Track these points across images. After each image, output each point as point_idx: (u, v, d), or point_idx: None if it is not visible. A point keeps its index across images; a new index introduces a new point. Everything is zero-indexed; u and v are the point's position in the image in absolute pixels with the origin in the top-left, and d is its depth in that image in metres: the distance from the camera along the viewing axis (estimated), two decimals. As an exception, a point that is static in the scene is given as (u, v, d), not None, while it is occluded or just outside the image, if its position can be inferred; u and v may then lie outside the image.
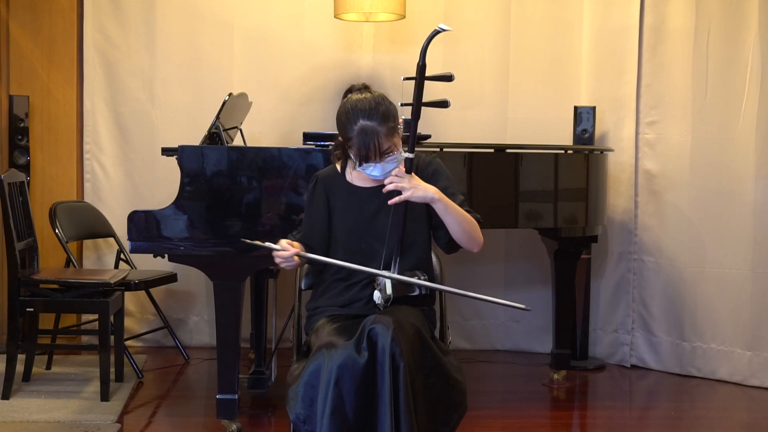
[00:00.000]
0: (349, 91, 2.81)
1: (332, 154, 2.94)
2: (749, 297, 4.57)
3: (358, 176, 2.85)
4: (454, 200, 2.74)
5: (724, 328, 4.66)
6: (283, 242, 2.67)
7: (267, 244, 2.65)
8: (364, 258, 2.76)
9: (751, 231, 4.55)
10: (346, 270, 2.74)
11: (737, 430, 4.05)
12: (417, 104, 2.63)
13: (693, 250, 4.75)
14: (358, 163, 2.71)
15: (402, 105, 2.72)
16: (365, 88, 2.78)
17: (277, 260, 2.66)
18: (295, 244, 2.72)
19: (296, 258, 2.65)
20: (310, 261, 2.76)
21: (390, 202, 2.63)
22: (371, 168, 2.71)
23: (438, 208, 2.67)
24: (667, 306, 4.87)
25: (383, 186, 2.69)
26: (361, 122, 2.65)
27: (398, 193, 2.62)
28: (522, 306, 2.58)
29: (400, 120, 2.73)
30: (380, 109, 2.66)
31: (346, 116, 2.69)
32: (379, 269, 2.71)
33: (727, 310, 4.64)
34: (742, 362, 4.60)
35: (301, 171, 3.51)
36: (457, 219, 2.69)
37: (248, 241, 2.71)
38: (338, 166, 2.90)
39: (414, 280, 2.71)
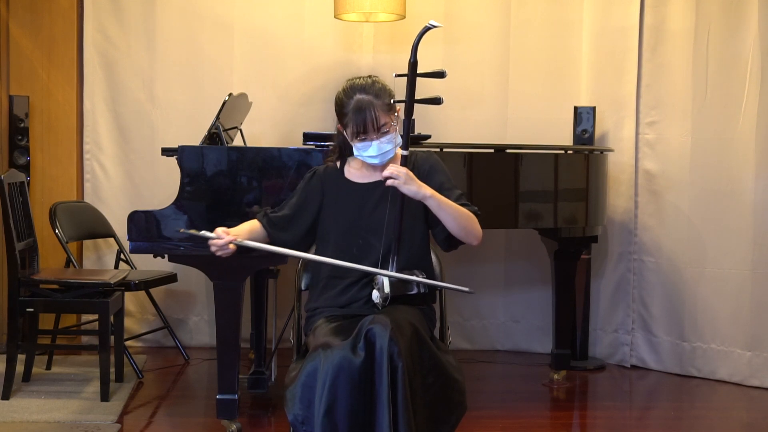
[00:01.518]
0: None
1: (328, 152, 2.95)
2: (749, 297, 4.57)
3: (356, 172, 2.87)
4: (451, 195, 2.75)
5: (724, 328, 4.66)
6: (219, 230, 2.73)
7: (203, 232, 2.71)
8: (359, 253, 2.77)
9: (751, 231, 4.55)
10: (343, 269, 2.74)
11: (737, 430, 4.05)
12: (410, 101, 2.66)
13: (693, 250, 4.75)
14: (355, 138, 2.74)
15: (395, 102, 2.74)
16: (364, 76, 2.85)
17: (213, 249, 2.72)
18: (238, 231, 2.78)
19: (232, 246, 2.71)
20: (249, 249, 2.79)
21: (385, 178, 2.66)
22: (368, 147, 2.72)
23: (431, 205, 2.69)
24: (667, 306, 4.87)
25: (380, 182, 2.72)
26: (357, 96, 2.74)
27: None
28: (466, 289, 2.67)
29: (399, 108, 2.75)
30: (376, 86, 2.77)
31: (343, 93, 2.78)
32: (372, 266, 2.72)
33: (727, 310, 4.64)
34: (742, 362, 4.60)
35: (301, 171, 3.50)
36: (452, 214, 2.70)
37: (183, 230, 2.85)
38: (337, 164, 2.91)
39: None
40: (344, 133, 2.80)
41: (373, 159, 2.76)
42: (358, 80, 2.80)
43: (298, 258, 2.83)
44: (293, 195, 2.94)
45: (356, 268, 2.69)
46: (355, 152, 2.78)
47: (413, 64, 2.64)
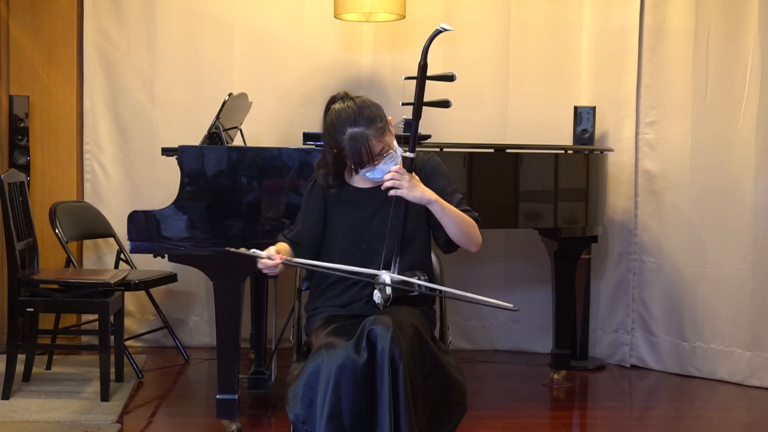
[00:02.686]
0: (331, 102, 2.80)
1: (316, 168, 2.91)
2: (749, 297, 4.57)
3: (357, 177, 2.85)
4: (452, 199, 2.75)
5: (724, 328, 4.66)
6: (271, 250, 2.65)
7: (252, 251, 2.62)
8: (363, 258, 2.76)
9: (751, 231, 4.55)
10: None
11: (737, 430, 4.04)
12: (418, 104, 2.64)
13: (693, 250, 4.75)
14: (355, 171, 2.73)
15: (403, 104, 2.72)
16: (346, 96, 2.78)
17: (260, 266, 2.63)
18: (282, 249, 2.71)
19: (281, 265, 2.63)
20: (299, 267, 2.74)
21: (389, 192, 2.65)
22: (371, 171, 2.71)
23: (434, 210, 2.68)
24: (667, 306, 4.87)
25: (381, 185, 2.70)
26: (349, 130, 2.67)
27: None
28: (510, 306, 2.57)
29: (390, 118, 2.75)
30: (365, 114, 2.68)
31: (333, 128, 2.71)
32: (378, 269, 2.71)
33: (727, 310, 4.64)
34: (742, 362, 4.60)
35: (301, 171, 3.51)
36: (454, 220, 2.70)
37: (233, 249, 2.66)
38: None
39: (413, 279, 2.72)
40: (346, 161, 2.75)
41: (378, 179, 2.75)
42: (343, 109, 2.71)
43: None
44: (301, 209, 2.92)
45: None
46: (360, 174, 2.76)
47: (423, 67, 2.62)
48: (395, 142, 2.74)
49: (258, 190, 3.51)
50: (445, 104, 2.70)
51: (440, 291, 2.80)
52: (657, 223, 4.90)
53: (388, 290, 2.70)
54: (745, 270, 4.57)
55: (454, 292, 2.70)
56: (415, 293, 2.75)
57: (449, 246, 2.80)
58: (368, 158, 2.67)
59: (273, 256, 2.62)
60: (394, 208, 2.72)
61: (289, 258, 2.67)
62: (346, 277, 2.78)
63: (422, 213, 2.79)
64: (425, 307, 2.83)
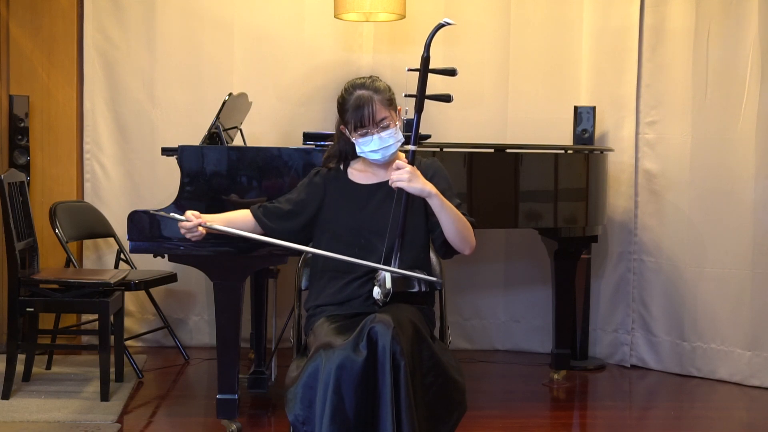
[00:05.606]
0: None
1: (326, 156, 2.97)
2: (749, 297, 4.57)
3: (359, 174, 2.88)
4: (451, 202, 2.76)
5: (724, 328, 4.66)
6: (189, 213, 2.79)
7: (171, 215, 2.78)
8: (362, 253, 2.77)
9: (751, 231, 4.56)
10: (344, 265, 2.75)
11: (737, 430, 4.05)
12: (420, 96, 2.68)
13: (693, 250, 4.75)
14: (355, 133, 2.77)
15: (406, 96, 2.75)
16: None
17: (182, 231, 2.79)
18: (210, 217, 2.84)
19: (201, 228, 2.78)
20: (220, 232, 2.86)
21: (391, 182, 2.68)
22: (369, 142, 2.73)
23: (433, 204, 2.70)
24: (667, 306, 4.87)
25: (383, 183, 2.75)
26: (357, 92, 2.78)
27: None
28: (434, 279, 2.75)
29: (400, 108, 2.80)
30: (376, 83, 2.82)
31: (344, 91, 2.83)
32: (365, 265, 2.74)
33: (727, 310, 4.64)
34: (742, 362, 4.60)
35: (301, 171, 3.51)
36: (451, 217, 2.72)
37: (152, 211, 2.87)
38: (341, 166, 2.93)
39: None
40: (346, 131, 2.81)
41: (375, 153, 2.77)
42: (358, 79, 2.84)
43: (275, 246, 2.87)
44: (294, 191, 2.97)
45: (347, 260, 2.70)
46: (358, 150, 2.80)
47: (426, 59, 2.66)
48: (399, 123, 2.80)
49: (258, 190, 3.51)
50: (446, 98, 2.73)
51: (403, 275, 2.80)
52: (657, 223, 4.90)
53: (388, 285, 2.71)
54: (745, 270, 4.57)
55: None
56: (415, 289, 2.76)
57: (445, 248, 2.81)
58: (369, 121, 2.73)
59: (190, 217, 2.77)
60: (395, 203, 2.73)
61: (210, 223, 2.79)
62: (345, 274, 2.79)
63: (422, 212, 2.80)
64: (424, 306, 2.83)
